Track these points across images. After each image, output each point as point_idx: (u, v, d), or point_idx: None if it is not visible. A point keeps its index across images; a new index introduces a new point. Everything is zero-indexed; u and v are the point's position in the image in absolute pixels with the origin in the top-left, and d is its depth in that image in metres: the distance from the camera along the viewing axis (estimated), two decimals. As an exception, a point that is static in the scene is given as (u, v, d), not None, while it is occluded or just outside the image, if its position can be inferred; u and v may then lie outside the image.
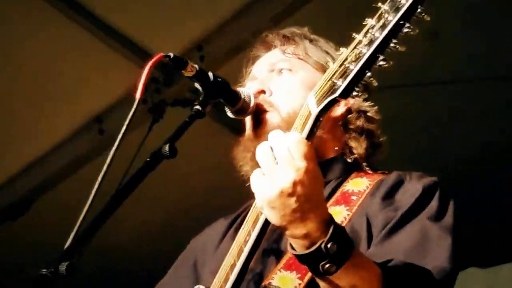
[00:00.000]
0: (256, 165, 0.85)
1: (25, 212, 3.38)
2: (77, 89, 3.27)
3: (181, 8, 2.96)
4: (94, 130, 3.37)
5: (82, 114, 3.38)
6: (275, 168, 0.78)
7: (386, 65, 0.80)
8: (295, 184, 0.75)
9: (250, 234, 0.88)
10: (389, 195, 1.10)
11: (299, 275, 1.00)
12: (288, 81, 1.25)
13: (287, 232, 0.82)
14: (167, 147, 0.96)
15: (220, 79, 1.11)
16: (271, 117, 1.20)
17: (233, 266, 0.92)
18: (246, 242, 0.90)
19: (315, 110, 0.86)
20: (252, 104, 1.17)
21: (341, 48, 0.91)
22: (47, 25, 2.94)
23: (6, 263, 3.77)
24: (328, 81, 0.86)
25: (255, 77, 1.26)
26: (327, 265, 0.77)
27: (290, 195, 0.76)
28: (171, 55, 1.06)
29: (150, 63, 1.07)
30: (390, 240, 1.00)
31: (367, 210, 1.07)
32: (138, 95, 1.05)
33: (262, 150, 0.81)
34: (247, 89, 1.18)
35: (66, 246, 0.87)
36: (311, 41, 1.31)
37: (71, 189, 3.49)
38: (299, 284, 0.99)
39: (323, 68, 1.22)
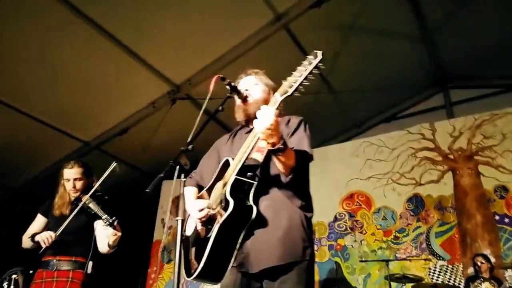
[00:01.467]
0: (244, 115, 2.47)
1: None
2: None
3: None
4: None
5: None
6: (266, 118, 2.00)
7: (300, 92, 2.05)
8: (274, 123, 2.00)
9: (252, 141, 2.19)
10: (287, 124, 2.46)
11: (262, 155, 2.31)
12: (256, 88, 2.57)
13: (269, 140, 2.04)
14: None
15: None
16: (250, 100, 2.50)
17: (245, 152, 2.22)
18: (250, 144, 2.21)
19: (279, 98, 2.07)
20: (245, 94, 2.50)
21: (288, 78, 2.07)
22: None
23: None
24: (284, 89, 2.06)
25: (243, 84, 2.61)
26: (280, 151, 2.09)
27: (273, 126, 2.00)
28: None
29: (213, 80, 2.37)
30: (290, 140, 2.31)
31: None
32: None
33: (261, 110, 2.03)
34: (242, 89, 2.52)
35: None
36: (261, 74, 2.70)
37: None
38: (261, 158, 2.29)
39: (267, 86, 2.60)
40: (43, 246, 3.33)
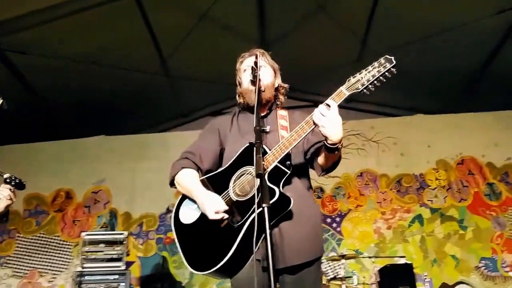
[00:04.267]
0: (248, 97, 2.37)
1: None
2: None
3: None
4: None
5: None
6: (327, 113, 2.03)
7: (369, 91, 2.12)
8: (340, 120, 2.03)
9: (304, 130, 2.11)
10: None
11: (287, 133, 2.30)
12: (265, 71, 2.44)
13: (334, 137, 2.03)
14: None
15: None
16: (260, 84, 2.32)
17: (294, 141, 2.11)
18: (300, 134, 2.11)
19: (346, 93, 2.10)
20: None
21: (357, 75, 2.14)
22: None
23: None
24: (352, 84, 2.11)
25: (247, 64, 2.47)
26: (338, 150, 2.09)
27: (339, 123, 2.03)
28: None
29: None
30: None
31: None
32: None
33: (319, 108, 2.06)
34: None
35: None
36: (267, 55, 2.54)
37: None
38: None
39: (273, 69, 2.51)
40: None
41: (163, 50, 6.75)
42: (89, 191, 6.95)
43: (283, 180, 2.12)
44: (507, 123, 6.93)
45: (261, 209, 1.82)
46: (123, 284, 5.10)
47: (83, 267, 5.18)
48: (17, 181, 2.84)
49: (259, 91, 2.22)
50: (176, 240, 2.22)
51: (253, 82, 2.28)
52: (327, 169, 2.26)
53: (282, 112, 2.47)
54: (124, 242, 5.42)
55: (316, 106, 6.96)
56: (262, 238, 1.97)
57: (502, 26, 6.09)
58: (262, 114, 2.43)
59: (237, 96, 2.56)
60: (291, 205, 2.06)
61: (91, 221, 6.78)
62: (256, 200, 1.85)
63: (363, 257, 6.12)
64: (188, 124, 8.32)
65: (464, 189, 6.66)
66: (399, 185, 6.78)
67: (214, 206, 2.08)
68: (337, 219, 6.72)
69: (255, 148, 1.88)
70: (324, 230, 6.62)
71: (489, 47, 6.49)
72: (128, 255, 5.61)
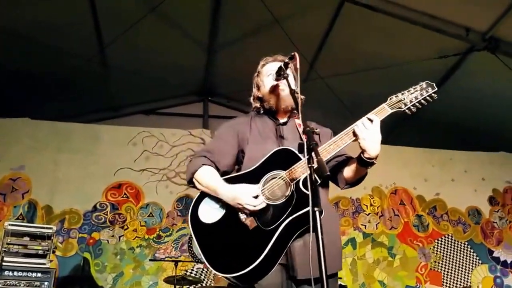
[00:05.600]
0: (275, 105, 2.36)
1: None
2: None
3: None
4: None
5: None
6: (370, 127, 2.08)
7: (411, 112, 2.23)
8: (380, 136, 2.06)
9: (343, 141, 2.14)
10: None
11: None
12: (291, 78, 2.36)
13: (373, 152, 2.08)
14: None
15: None
16: (284, 91, 2.38)
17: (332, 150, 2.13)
18: (337, 143, 2.14)
19: (389, 110, 2.17)
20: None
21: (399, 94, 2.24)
22: None
23: None
24: (395, 103, 2.20)
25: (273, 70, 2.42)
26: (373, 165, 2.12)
27: (380, 138, 2.08)
28: None
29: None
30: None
31: None
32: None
33: (363, 120, 2.11)
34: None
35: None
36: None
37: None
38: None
39: (294, 79, 2.45)
40: None
41: (104, 36, 6.45)
42: (6, 178, 6.29)
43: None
44: (438, 160, 7.42)
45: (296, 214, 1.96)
46: (47, 283, 4.66)
47: (2, 261, 4.67)
48: None
49: (294, 95, 2.21)
50: (195, 239, 2.13)
51: (274, 88, 2.38)
52: (353, 183, 2.30)
53: (299, 122, 2.43)
54: (51, 238, 4.98)
55: None
56: (288, 245, 2.03)
57: (441, 69, 6.56)
58: (282, 121, 2.44)
59: (252, 99, 2.57)
60: (323, 215, 2.03)
61: (6, 210, 6.14)
62: (311, 206, 1.74)
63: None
64: (117, 119, 7.90)
65: (395, 217, 7.00)
66: (336, 207, 6.95)
67: (251, 192, 2.07)
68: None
69: (313, 149, 1.82)
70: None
71: (427, 87, 6.93)
72: (54, 252, 5.16)
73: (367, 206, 7.01)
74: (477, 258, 7.01)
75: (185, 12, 6.40)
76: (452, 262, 6.88)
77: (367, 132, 2.08)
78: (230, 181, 2.20)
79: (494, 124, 7.32)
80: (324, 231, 2.03)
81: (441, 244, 7.00)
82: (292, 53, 2.24)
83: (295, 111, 2.44)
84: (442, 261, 6.87)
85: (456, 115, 7.05)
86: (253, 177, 2.17)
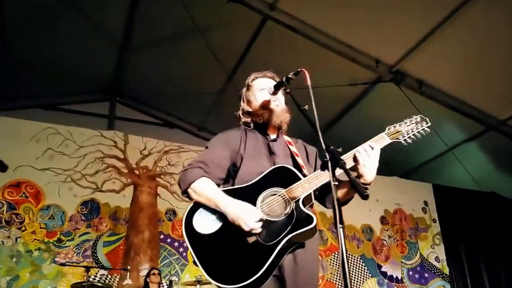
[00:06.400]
0: (269, 120, 2.43)
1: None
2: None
3: None
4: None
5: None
6: (371, 154, 2.19)
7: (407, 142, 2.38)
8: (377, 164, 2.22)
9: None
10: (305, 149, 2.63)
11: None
12: (281, 96, 2.50)
13: (370, 178, 2.20)
14: None
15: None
16: (278, 107, 2.46)
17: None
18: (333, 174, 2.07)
19: (388, 140, 2.30)
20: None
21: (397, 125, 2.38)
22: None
23: None
24: (394, 133, 2.33)
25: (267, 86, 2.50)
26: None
27: (377, 166, 2.21)
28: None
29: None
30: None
31: None
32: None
33: (364, 147, 2.21)
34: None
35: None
36: None
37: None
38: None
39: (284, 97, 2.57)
40: None
41: (7, 20, 6.05)
42: None
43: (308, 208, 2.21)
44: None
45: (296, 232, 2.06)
46: None
47: None
48: None
49: (303, 112, 2.18)
50: (190, 249, 2.11)
51: (267, 103, 2.43)
52: (341, 204, 2.35)
53: (288, 138, 2.54)
54: None
55: (166, 125, 7.08)
56: (282, 258, 2.10)
57: (350, 96, 7.09)
58: (272, 137, 2.48)
59: (240, 113, 2.56)
60: (316, 234, 2.17)
61: None
62: (338, 223, 1.75)
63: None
64: (10, 112, 7.13)
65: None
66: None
67: (255, 215, 2.07)
68: (185, 244, 6.61)
69: (342, 167, 1.91)
70: (170, 253, 6.58)
71: (336, 111, 7.43)
72: None
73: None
74: (368, 271, 7.64)
75: (102, 6, 6.21)
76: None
77: (368, 159, 2.18)
78: (231, 193, 2.21)
79: (391, 151, 8.01)
80: (308, 247, 2.19)
81: (337, 257, 7.46)
82: (299, 70, 2.27)
83: (283, 128, 2.51)
84: (337, 273, 7.35)
85: (358, 140, 7.59)
86: (251, 192, 2.20)
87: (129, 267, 5.75)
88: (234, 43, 6.67)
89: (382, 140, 2.30)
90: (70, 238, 6.19)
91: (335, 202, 1.75)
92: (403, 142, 2.35)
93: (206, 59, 6.71)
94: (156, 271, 5.80)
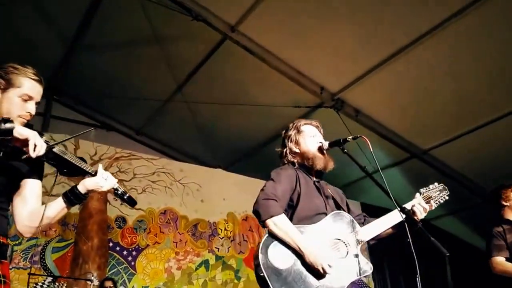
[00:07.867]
0: (323, 166, 2.77)
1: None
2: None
3: None
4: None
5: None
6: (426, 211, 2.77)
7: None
8: None
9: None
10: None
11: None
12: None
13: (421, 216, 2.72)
14: None
15: None
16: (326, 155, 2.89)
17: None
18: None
19: (434, 205, 2.79)
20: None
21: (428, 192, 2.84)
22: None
23: None
24: (427, 198, 2.80)
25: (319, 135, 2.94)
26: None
27: None
28: None
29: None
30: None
31: None
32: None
33: (421, 207, 2.73)
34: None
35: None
36: None
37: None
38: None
39: None
40: None
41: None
42: None
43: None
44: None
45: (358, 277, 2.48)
46: None
47: None
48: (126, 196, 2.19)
49: (366, 171, 2.72)
50: (269, 281, 2.28)
51: (322, 151, 2.77)
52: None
53: (325, 182, 2.87)
54: None
55: (103, 127, 6.98)
56: None
57: (294, 116, 7.51)
58: (315, 179, 2.79)
59: (288, 152, 2.86)
60: None
61: None
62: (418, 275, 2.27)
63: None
64: None
65: (244, 243, 7.66)
66: (195, 229, 7.32)
67: (329, 261, 2.36)
68: (134, 253, 6.75)
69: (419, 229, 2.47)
70: (119, 262, 6.56)
71: (277, 129, 7.83)
72: None
73: (222, 230, 7.55)
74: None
75: (58, 4, 6.13)
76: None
77: (422, 215, 2.69)
78: (301, 232, 2.49)
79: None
80: None
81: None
82: (358, 135, 2.72)
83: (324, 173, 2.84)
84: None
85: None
86: (320, 234, 2.51)
87: (93, 276, 5.65)
88: (189, 56, 6.83)
89: (421, 201, 2.74)
90: (17, 242, 5.96)
91: (414, 257, 2.20)
92: (433, 205, 2.78)
93: (158, 67, 6.84)
94: (110, 282, 5.75)
